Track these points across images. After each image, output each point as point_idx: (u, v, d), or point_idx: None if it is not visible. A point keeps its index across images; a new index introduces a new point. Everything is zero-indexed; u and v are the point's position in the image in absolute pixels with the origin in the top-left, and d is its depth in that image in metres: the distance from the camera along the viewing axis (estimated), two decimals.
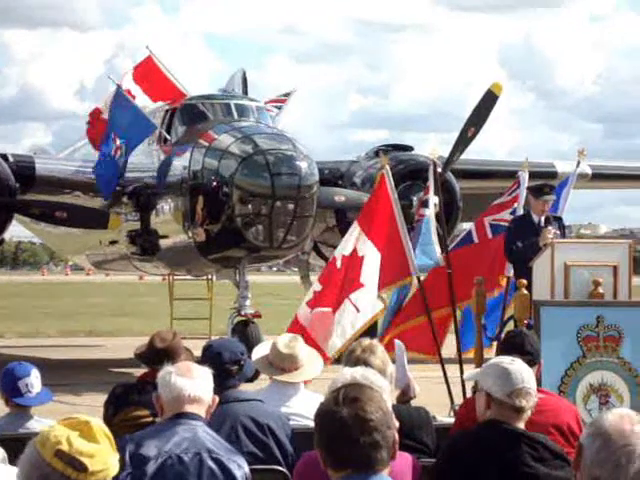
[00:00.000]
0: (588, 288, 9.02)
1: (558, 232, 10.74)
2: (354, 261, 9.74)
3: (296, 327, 9.40)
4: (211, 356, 5.76)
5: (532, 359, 5.73)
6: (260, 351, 6.39)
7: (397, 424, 3.26)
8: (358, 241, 9.83)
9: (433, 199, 10.98)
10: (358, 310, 9.61)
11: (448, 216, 15.09)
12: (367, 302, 9.65)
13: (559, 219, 11.26)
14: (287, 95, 21.85)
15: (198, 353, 5.97)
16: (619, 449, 3.12)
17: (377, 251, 9.80)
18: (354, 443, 3.14)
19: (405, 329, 10.53)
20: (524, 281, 9.25)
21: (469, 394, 9.63)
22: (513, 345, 5.78)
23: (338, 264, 9.79)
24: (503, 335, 9.45)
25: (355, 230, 9.96)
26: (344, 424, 3.16)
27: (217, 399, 4.64)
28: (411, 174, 18.17)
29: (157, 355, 5.86)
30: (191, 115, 18.35)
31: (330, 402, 3.23)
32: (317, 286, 9.92)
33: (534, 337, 6.05)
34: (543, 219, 10.85)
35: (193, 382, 4.50)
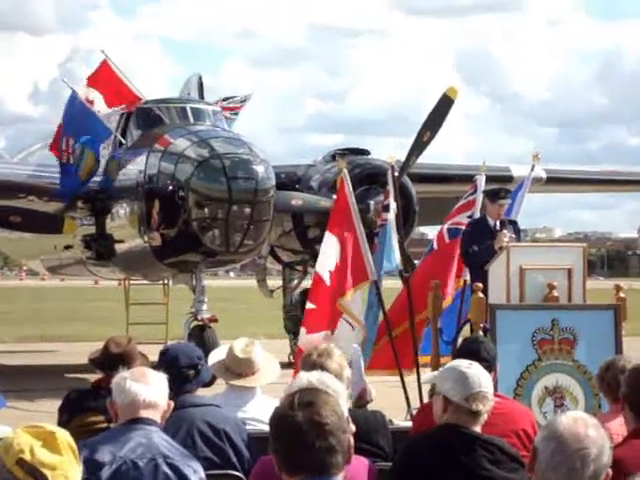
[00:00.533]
0: (543, 291, 9.07)
1: (514, 236, 10.81)
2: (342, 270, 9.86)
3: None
4: (167, 361, 5.73)
5: (488, 365, 5.75)
6: (216, 355, 6.37)
7: (353, 428, 3.25)
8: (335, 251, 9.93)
9: (393, 203, 11.00)
10: (353, 328, 9.75)
11: (405, 220, 15.12)
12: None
13: (514, 223, 11.33)
14: (244, 100, 21.80)
15: (154, 358, 5.93)
16: (574, 453, 3.12)
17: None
18: (309, 448, 3.13)
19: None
20: (480, 285, 9.29)
21: (426, 398, 9.66)
22: (469, 351, 5.79)
23: (327, 280, 9.82)
24: (460, 340, 9.50)
25: (330, 240, 9.96)
26: (299, 428, 3.14)
27: (172, 404, 4.61)
28: (368, 178, 18.18)
29: (112, 360, 5.82)
30: (147, 119, 18.26)
31: (285, 406, 3.22)
32: (309, 305, 9.94)
33: (490, 344, 6.07)
34: (499, 223, 10.92)
35: (148, 387, 4.47)
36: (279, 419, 3.21)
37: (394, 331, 10.61)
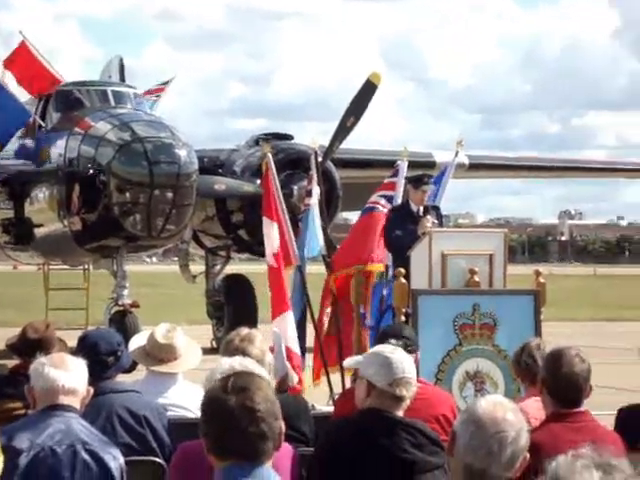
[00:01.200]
0: (465, 277, 9.14)
1: (436, 221, 10.88)
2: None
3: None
4: (87, 347, 5.67)
5: (409, 344, 5.78)
6: (137, 341, 6.32)
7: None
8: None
9: (316, 188, 11.00)
10: None
11: (328, 205, 15.14)
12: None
13: (437, 208, 11.41)
14: (166, 83, 21.64)
15: (74, 344, 5.87)
16: (492, 436, 3.15)
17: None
18: (240, 433, 3.11)
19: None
20: (402, 270, 9.33)
21: (348, 383, 9.68)
22: (392, 332, 5.83)
23: (274, 263, 9.77)
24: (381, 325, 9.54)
25: (270, 224, 9.90)
26: (231, 413, 3.12)
27: (92, 390, 4.56)
28: (291, 163, 18.18)
29: (30, 346, 5.73)
30: (66, 102, 18.03)
31: (218, 389, 3.19)
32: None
33: (411, 329, 6.14)
34: (421, 208, 10.98)
35: (67, 373, 4.42)
36: (211, 402, 3.18)
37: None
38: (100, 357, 5.60)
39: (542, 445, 4.35)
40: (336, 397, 8.46)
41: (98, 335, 5.88)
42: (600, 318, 30.05)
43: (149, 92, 20.42)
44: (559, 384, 4.77)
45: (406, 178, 11.70)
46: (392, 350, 4.69)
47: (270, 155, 10.20)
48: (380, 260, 11.31)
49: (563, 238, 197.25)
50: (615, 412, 5.73)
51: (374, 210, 11.51)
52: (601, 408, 6.16)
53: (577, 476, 2.42)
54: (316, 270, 11.86)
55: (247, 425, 3.11)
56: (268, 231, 9.85)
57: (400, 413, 4.54)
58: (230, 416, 3.11)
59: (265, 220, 9.96)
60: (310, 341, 10.73)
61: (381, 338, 5.82)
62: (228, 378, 3.22)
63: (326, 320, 10.76)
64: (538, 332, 8.69)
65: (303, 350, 9.90)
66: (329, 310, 10.82)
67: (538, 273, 9.42)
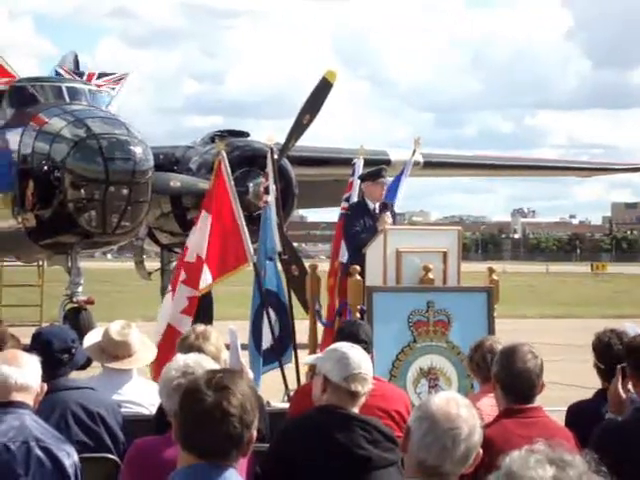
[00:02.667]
0: (419, 274, 9.19)
1: (391, 219, 10.93)
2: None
3: (170, 341, 9.01)
4: (41, 344, 5.64)
5: (366, 347, 5.81)
6: (92, 338, 6.30)
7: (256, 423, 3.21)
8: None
9: (272, 186, 10.99)
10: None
11: (284, 203, 15.14)
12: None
13: (391, 206, 11.45)
14: (121, 78, 21.51)
15: (29, 341, 5.84)
16: (445, 432, 3.18)
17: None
18: (210, 431, 3.11)
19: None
20: (357, 267, 9.37)
21: (304, 380, 9.71)
22: (349, 334, 5.85)
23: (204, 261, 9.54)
24: (337, 322, 9.56)
25: (206, 222, 9.74)
26: (206, 410, 3.11)
27: (45, 387, 4.54)
28: (247, 160, 18.15)
29: None
30: (20, 98, 17.88)
31: (200, 383, 3.17)
32: (189, 291, 9.42)
33: (367, 326, 6.16)
34: (378, 205, 11.01)
35: (20, 370, 4.39)
36: (190, 394, 3.17)
37: None
38: (54, 354, 5.57)
39: (495, 441, 4.40)
40: (291, 394, 8.48)
41: (52, 332, 5.85)
42: (551, 315, 30.30)
43: (101, 85, 20.20)
44: (512, 380, 4.81)
45: (362, 174, 11.73)
46: (350, 347, 4.72)
47: (224, 153, 10.17)
48: (335, 257, 11.39)
49: (516, 236, 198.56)
50: (565, 408, 5.80)
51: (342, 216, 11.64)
52: (553, 404, 6.24)
53: (531, 471, 2.45)
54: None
55: (216, 425, 3.10)
56: (203, 225, 9.66)
57: (355, 410, 4.56)
58: (202, 412, 3.11)
59: (203, 213, 9.80)
60: (302, 338, 10.73)
61: (338, 339, 5.83)
62: (215, 373, 3.21)
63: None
64: (491, 329, 8.76)
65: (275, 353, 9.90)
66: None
67: (491, 270, 9.50)
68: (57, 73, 19.19)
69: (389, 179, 11.41)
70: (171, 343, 8.66)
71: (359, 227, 10.68)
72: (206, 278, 9.50)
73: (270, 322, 9.90)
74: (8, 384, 4.36)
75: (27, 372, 4.41)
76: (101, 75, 20.65)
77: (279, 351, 10.00)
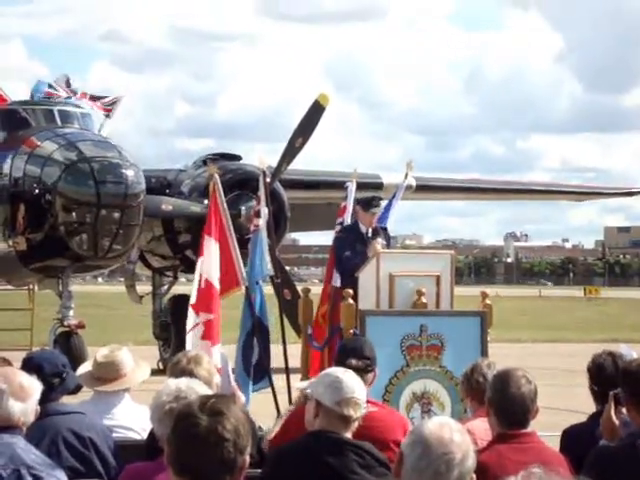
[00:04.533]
0: (412, 298, 9.18)
1: (384, 242, 10.94)
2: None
3: None
4: (32, 368, 5.60)
5: (370, 364, 5.79)
6: (84, 367, 6.30)
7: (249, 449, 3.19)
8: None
9: (263, 209, 10.98)
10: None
11: (276, 226, 15.14)
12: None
13: (385, 230, 11.47)
14: (114, 102, 21.53)
15: (19, 365, 5.80)
16: (439, 457, 3.16)
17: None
18: (204, 456, 3.08)
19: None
20: (350, 291, 9.35)
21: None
22: (352, 350, 5.80)
23: (217, 287, 9.56)
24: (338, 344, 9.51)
25: (212, 245, 9.74)
26: (200, 435, 3.09)
27: (39, 410, 4.51)
28: (239, 183, 18.16)
29: None
30: (12, 121, 17.88)
31: (194, 407, 3.14)
32: (207, 315, 9.45)
33: (370, 343, 6.06)
34: (371, 230, 11.03)
35: (24, 404, 4.37)
36: (183, 418, 3.14)
37: None
38: (45, 379, 5.53)
39: (489, 466, 4.37)
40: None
41: (43, 356, 5.82)
42: (544, 339, 30.30)
43: (94, 99, 20.15)
44: (506, 405, 4.79)
45: (356, 200, 11.75)
46: (343, 371, 4.70)
47: (217, 176, 10.16)
48: (328, 281, 11.37)
49: (509, 260, 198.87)
50: (560, 433, 5.77)
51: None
52: (546, 429, 6.21)
53: None
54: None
55: (210, 450, 3.08)
56: (211, 253, 9.73)
57: (348, 434, 4.53)
58: (195, 437, 3.08)
59: (207, 240, 9.84)
60: (278, 362, 10.67)
61: (341, 354, 5.79)
62: (209, 398, 3.19)
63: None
64: (485, 353, 8.74)
65: (264, 371, 9.88)
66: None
67: (485, 295, 9.48)
68: (48, 94, 19.13)
69: (381, 208, 11.42)
70: None
71: (350, 251, 10.69)
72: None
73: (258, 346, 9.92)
74: (10, 414, 4.33)
75: (30, 402, 4.40)
76: (93, 98, 20.65)
77: (257, 376, 9.98)
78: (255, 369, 9.99)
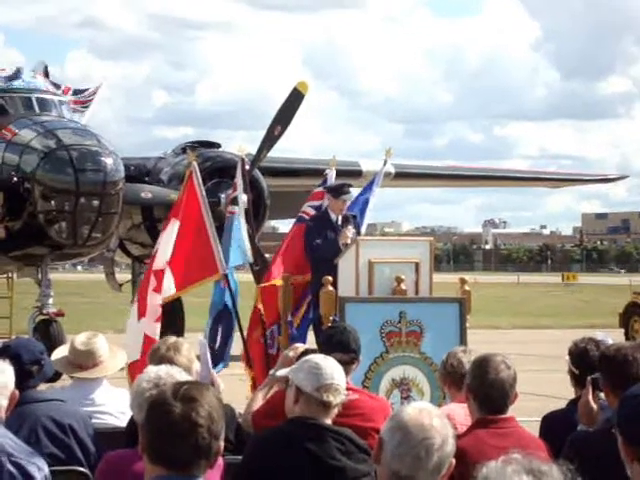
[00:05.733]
0: (391, 284, 9.19)
1: (354, 230, 10.95)
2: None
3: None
4: (9, 356, 5.57)
5: (356, 357, 5.79)
6: (59, 352, 6.29)
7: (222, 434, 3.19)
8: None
9: (242, 196, 10.96)
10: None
11: (256, 213, 15.13)
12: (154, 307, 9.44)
13: (354, 217, 11.45)
14: (94, 93, 21.46)
15: None
16: (419, 443, 3.17)
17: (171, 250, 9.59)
18: (177, 443, 3.08)
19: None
20: (329, 278, 9.35)
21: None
22: (339, 343, 5.78)
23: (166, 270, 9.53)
24: (321, 330, 9.51)
25: (173, 228, 9.71)
26: (172, 421, 3.09)
27: (17, 394, 4.50)
28: (219, 171, 18.13)
29: None
30: None
31: (167, 394, 3.14)
32: (160, 299, 9.41)
33: (356, 332, 6.02)
34: (341, 218, 11.03)
35: None
36: (156, 406, 3.15)
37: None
38: (23, 366, 5.52)
39: (468, 451, 4.39)
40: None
41: (20, 344, 5.80)
42: (522, 326, 30.42)
43: (78, 102, 20.15)
44: (485, 390, 4.81)
45: (325, 187, 11.75)
46: (323, 358, 4.71)
47: (195, 164, 10.13)
48: (309, 270, 11.34)
49: (487, 246, 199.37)
50: (539, 418, 5.81)
51: (303, 221, 11.56)
52: (525, 415, 6.24)
53: None
54: (244, 278, 11.85)
55: (185, 436, 3.08)
56: (170, 232, 9.66)
57: (328, 421, 4.55)
58: (170, 424, 3.09)
59: (171, 221, 9.77)
60: (236, 350, 10.71)
61: (327, 347, 5.72)
62: (182, 385, 3.20)
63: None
64: (463, 339, 8.77)
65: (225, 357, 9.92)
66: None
67: (463, 281, 9.51)
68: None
69: (353, 195, 11.41)
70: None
71: (319, 240, 10.70)
72: (169, 286, 9.49)
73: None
74: None
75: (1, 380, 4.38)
76: (77, 92, 20.59)
77: (218, 358, 10.04)
78: (217, 353, 10.04)
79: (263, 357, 10.40)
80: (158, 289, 9.41)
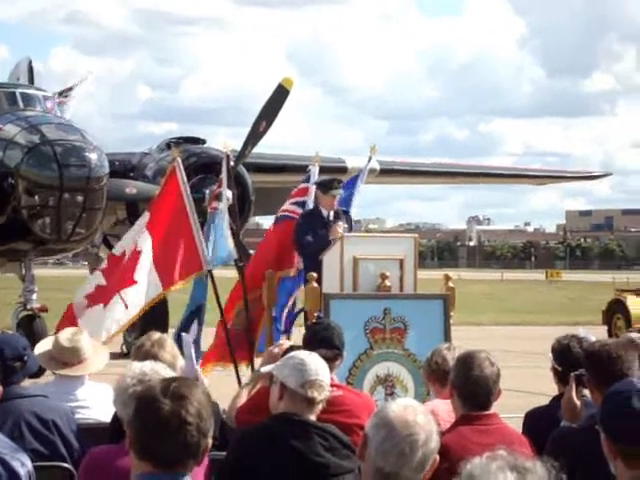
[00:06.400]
0: (376, 281, 9.20)
1: (346, 226, 10.95)
2: (133, 255, 9.63)
3: (69, 321, 9.17)
4: None
5: (339, 353, 5.79)
6: (43, 346, 6.26)
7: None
8: (140, 235, 9.72)
9: (226, 192, 10.94)
10: (127, 307, 9.45)
11: (241, 210, 15.11)
12: (135, 298, 9.49)
13: (347, 213, 11.47)
14: (77, 84, 21.40)
15: None
16: (403, 439, 3.18)
17: (151, 247, 9.65)
18: (165, 440, 3.08)
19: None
20: (314, 274, 9.36)
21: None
22: (323, 340, 5.78)
23: (125, 258, 9.66)
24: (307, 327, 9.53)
25: (142, 221, 9.84)
26: (161, 418, 3.08)
27: (1, 390, 4.49)
28: (203, 167, 18.09)
29: None
30: None
31: (156, 390, 3.14)
32: (101, 280, 9.68)
33: (339, 328, 6.03)
34: (332, 213, 11.03)
35: None
36: (145, 402, 3.14)
37: (230, 322, 10.58)
38: (6, 362, 5.51)
39: (452, 447, 4.40)
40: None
41: (3, 340, 5.78)
42: (506, 322, 30.49)
43: (65, 90, 20.10)
44: (469, 387, 4.82)
45: (315, 183, 11.74)
46: (308, 354, 4.71)
47: (179, 159, 10.11)
48: (291, 265, 11.34)
49: (471, 243, 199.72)
50: (522, 415, 5.82)
51: (287, 218, 11.56)
52: (509, 411, 6.26)
53: (492, 477, 2.46)
54: (229, 275, 11.85)
55: (173, 434, 3.08)
56: (136, 228, 9.81)
57: (312, 417, 4.55)
58: (158, 421, 3.08)
59: (143, 216, 9.88)
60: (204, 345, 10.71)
61: (310, 344, 5.72)
62: (171, 381, 3.19)
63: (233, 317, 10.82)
64: (447, 336, 8.79)
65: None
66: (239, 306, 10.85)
67: (447, 278, 9.53)
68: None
69: (341, 191, 11.40)
70: (68, 320, 8.95)
71: (310, 236, 10.70)
72: (156, 284, 9.55)
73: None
74: None
75: None
76: (62, 92, 20.53)
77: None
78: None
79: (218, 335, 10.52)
80: (105, 271, 9.67)
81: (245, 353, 10.48)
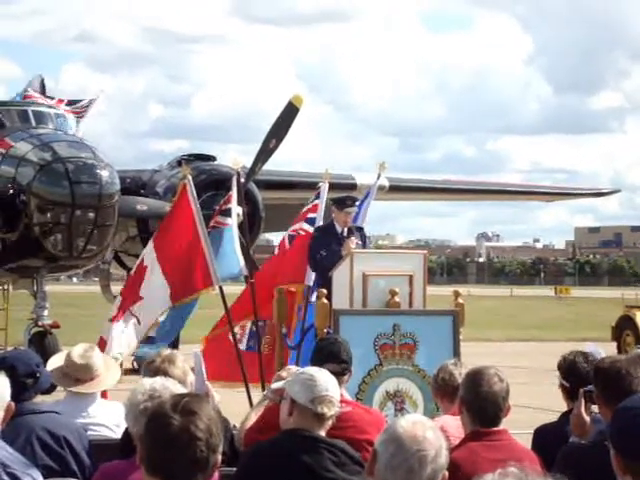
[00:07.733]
0: (385, 297, 9.21)
1: (360, 242, 10.99)
2: (140, 270, 9.78)
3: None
4: (5, 368, 5.58)
5: (347, 367, 5.81)
6: (54, 362, 6.28)
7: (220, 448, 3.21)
8: (148, 251, 9.86)
9: (236, 209, 10.98)
10: (139, 322, 9.58)
11: (251, 226, 15.16)
12: (146, 313, 9.64)
13: (361, 229, 11.51)
14: (88, 105, 21.48)
15: None
16: (412, 455, 3.19)
17: (157, 262, 9.77)
18: (175, 455, 3.10)
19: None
20: (324, 290, 9.38)
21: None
22: (330, 354, 5.80)
23: (132, 273, 9.90)
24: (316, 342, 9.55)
25: (151, 240, 9.99)
26: (171, 433, 3.10)
27: (13, 406, 4.51)
28: (214, 184, 18.16)
29: None
30: None
31: (167, 406, 3.16)
32: (119, 299, 9.94)
33: (346, 343, 6.05)
34: (346, 230, 11.09)
35: None
36: (156, 418, 3.16)
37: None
38: (18, 378, 5.53)
39: (461, 463, 4.41)
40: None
41: (16, 356, 5.80)
42: (515, 338, 30.43)
43: (72, 112, 20.19)
44: (478, 403, 4.83)
45: (331, 199, 11.78)
46: (317, 370, 4.73)
47: (190, 177, 10.17)
48: (302, 280, 11.37)
49: (481, 259, 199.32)
50: (531, 431, 5.83)
51: (298, 236, 11.62)
52: (518, 427, 6.27)
53: None
54: (232, 291, 11.87)
55: (183, 449, 3.09)
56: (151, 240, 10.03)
57: (322, 432, 4.57)
58: (168, 436, 3.10)
59: (160, 233, 10.00)
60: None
61: (318, 359, 5.76)
62: (182, 397, 3.22)
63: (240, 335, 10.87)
64: (457, 352, 8.79)
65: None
66: (248, 325, 10.89)
67: (457, 294, 9.54)
68: (25, 97, 19.12)
69: (356, 208, 11.46)
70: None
71: (324, 251, 10.73)
72: (165, 298, 9.65)
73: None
74: None
75: None
76: (70, 102, 20.62)
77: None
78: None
79: (225, 351, 10.55)
80: (123, 291, 10.06)
81: (256, 373, 10.50)
